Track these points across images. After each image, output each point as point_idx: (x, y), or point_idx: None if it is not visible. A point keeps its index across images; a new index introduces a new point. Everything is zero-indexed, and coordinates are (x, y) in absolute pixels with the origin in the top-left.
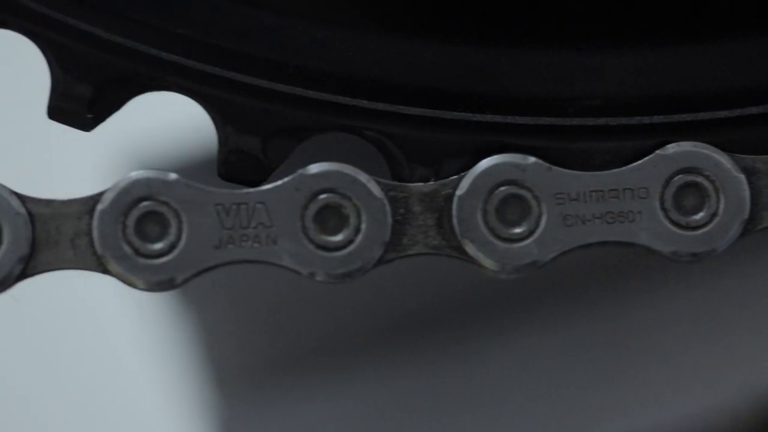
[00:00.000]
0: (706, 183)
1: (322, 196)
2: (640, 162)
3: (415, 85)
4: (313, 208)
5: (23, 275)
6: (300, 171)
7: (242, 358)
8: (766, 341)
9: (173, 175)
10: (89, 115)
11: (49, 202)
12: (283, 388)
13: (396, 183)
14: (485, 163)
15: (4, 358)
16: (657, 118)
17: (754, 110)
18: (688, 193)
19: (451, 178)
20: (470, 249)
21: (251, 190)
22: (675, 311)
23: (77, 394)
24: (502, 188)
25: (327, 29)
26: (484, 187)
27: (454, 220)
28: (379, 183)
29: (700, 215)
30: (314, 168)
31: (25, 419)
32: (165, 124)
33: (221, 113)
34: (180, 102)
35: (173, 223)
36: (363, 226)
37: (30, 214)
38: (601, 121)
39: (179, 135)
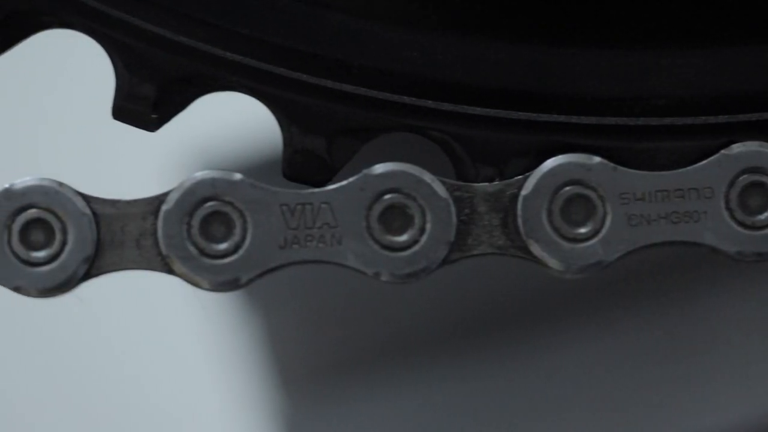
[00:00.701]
0: None
1: (387, 196)
2: (705, 162)
3: (480, 85)
4: (377, 208)
5: (88, 276)
6: (365, 171)
7: (307, 358)
8: None
9: (238, 176)
10: (154, 116)
11: (114, 203)
12: (347, 388)
13: (461, 183)
14: (550, 163)
15: (71, 358)
16: (722, 118)
17: None
18: (754, 192)
19: (516, 178)
20: (535, 249)
21: (316, 190)
22: (741, 311)
23: (144, 395)
24: (567, 188)
25: (392, 29)
26: (549, 186)
27: (519, 220)
28: (444, 183)
29: (765, 215)
30: (379, 168)
31: (94, 419)
32: (230, 124)
33: (286, 113)
34: (245, 102)
35: (238, 223)
36: (428, 226)
37: (95, 214)
38: (667, 120)
39: (244, 135)
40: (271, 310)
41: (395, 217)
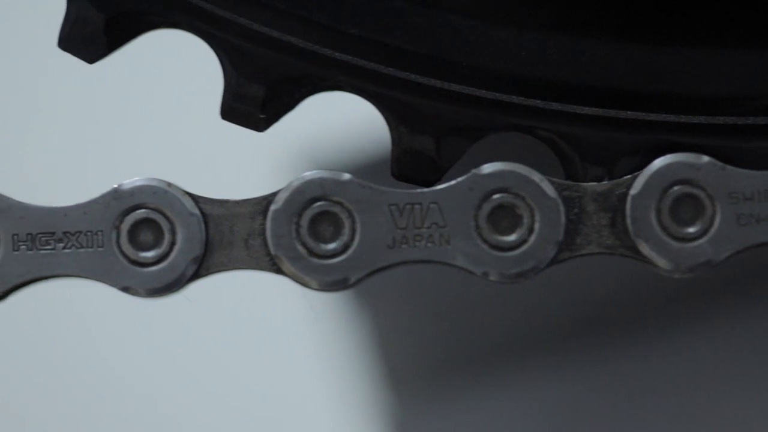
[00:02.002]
0: None
1: (496, 196)
2: None
3: (589, 84)
4: (486, 207)
5: (196, 276)
6: (473, 171)
7: (416, 359)
8: None
9: (347, 175)
10: (262, 116)
11: (222, 203)
12: (456, 388)
13: (570, 182)
14: (659, 163)
15: (180, 358)
16: None
17: None
18: None
19: (625, 177)
20: (644, 248)
21: (425, 189)
22: None
23: (254, 396)
24: (676, 187)
25: (501, 29)
26: (658, 186)
27: (628, 220)
28: (552, 183)
29: None
30: (488, 168)
31: (202, 419)
32: (338, 124)
33: (395, 113)
34: (354, 102)
35: (347, 223)
36: (536, 226)
37: (203, 214)
38: None
39: (353, 135)
40: (380, 310)
41: (504, 217)
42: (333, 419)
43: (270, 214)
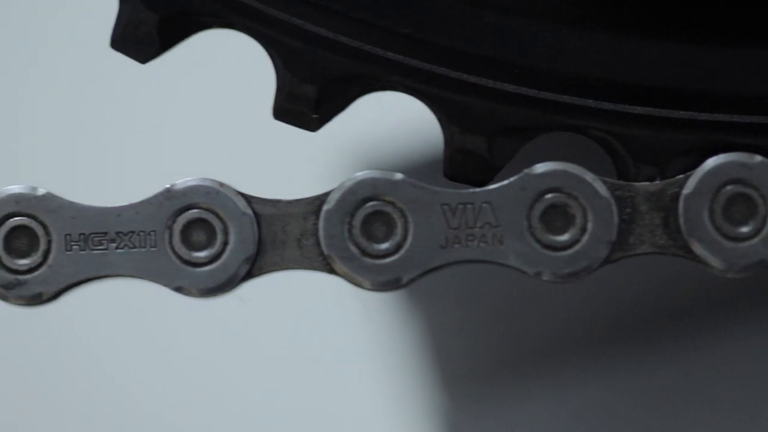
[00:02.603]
0: None
1: (549, 196)
2: None
3: (641, 84)
4: (539, 207)
5: (249, 276)
6: (526, 170)
7: (467, 359)
8: None
9: (399, 175)
10: (315, 116)
11: (275, 203)
12: (507, 389)
13: (622, 182)
14: (712, 162)
15: (234, 358)
16: None
17: None
18: None
19: (677, 177)
20: (697, 248)
21: (477, 189)
22: None
23: (304, 395)
24: (729, 187)
25: (552, 28)
26: (711, 186)
27: (681, 219)
28: (605, 182)
29: None
30: (540, 167)
31: (255, 418)
32: (391, 124)
33: (447, 113)
34: (406, 102)
35: (399, 223)
36: (589, 226)
37: (256, 214)
38: None
39: (405, 135)
40: (432, 310)
41: (556, 217)
42: (385, 420)
43: (322, 214)
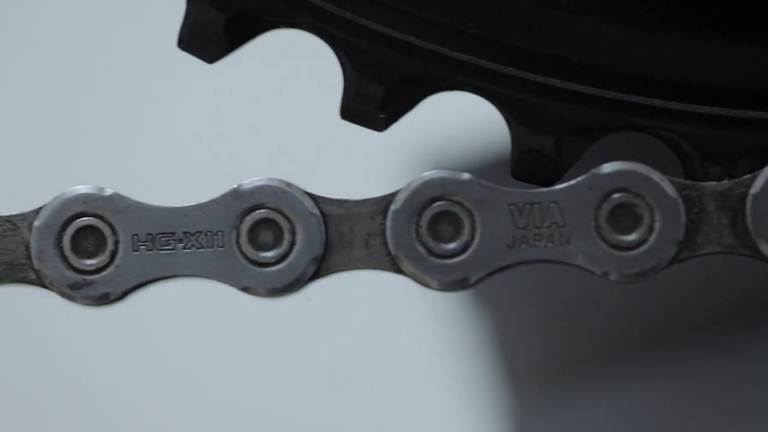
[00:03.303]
0: None
1: (616, 196)
2: None
3: (709, 84)
4: (606, 207)
5: (316, 276)
6: (593, 170)
7: (535, 358)
8: None
9: (467, 175)
10: (382, 115)
11: (342, 203)
12: (575, 389)
13: (690, 182)
14: None
15: (299, 357)
16: None
17: None
18: None
19: (745, 176)
20: (765, 248)
21: (544, 189)
22: None
23: (374, 394)
24: None
25: (620, 28)
26: None
27: (748, 219)
28: (672, 182)
29: None
30: (607, 167)
31: (327, 417)
32: (458, 124)
33: (515, 113)
34: (473, 102)
35: (467, 222)
36: (657, 225)
37: (323, 214)
38: None
39: (472, 135)
40: (499, 310)
41: (624, 217)
42: (454, 419)
43: (390, 214)
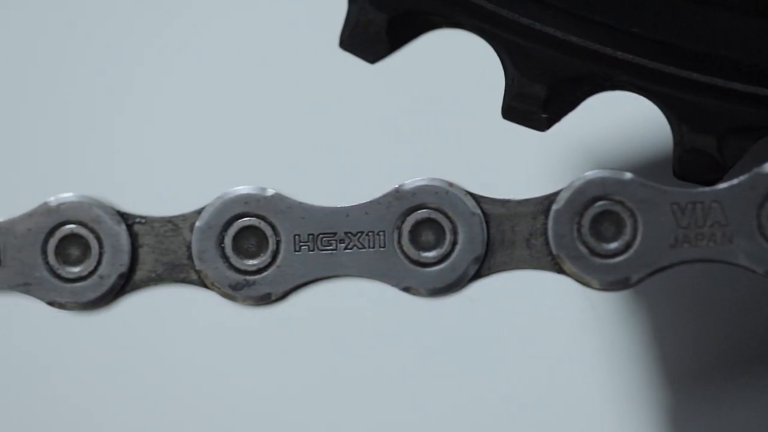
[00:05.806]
0: None
1: None
2: None
3: None
4: None
5: (477, 276)
6: (756, 170)
7: (692, 357)
8: None
9: (628, 175)
10: (544, 115)
11: (504, 203)
12: (733, 387)
13: None
14: None
15: (462, 356)
16: None
17: None
18: None
19: None
20: None
21: (707, 188)
22: None
23: (535, 392)
24: None
25: None
26: None
27: None
28: None
29: None
30: None
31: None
32: (620, 123)
33: (677, 112)
34: (635, 101)
35: (628, 222)
36: None
37: (485, 214)
38: None
39: (634, 134)
40: (656, 309)
41: None
42: (611, 415)
43: (552, 214)
